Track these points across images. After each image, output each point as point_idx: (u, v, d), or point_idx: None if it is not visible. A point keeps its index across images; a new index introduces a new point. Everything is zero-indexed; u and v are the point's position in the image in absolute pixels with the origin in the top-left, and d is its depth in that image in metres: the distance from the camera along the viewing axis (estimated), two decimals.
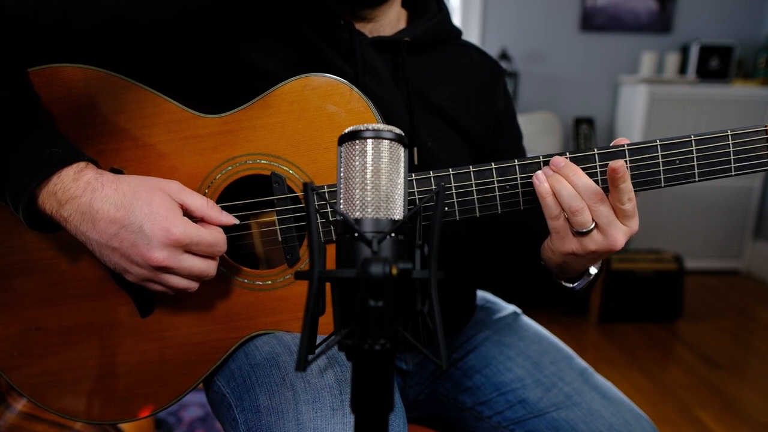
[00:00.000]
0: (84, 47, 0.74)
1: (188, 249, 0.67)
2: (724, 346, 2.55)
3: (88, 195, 0.64)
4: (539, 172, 0.69)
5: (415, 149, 0.83)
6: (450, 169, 0.72)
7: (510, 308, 1.04)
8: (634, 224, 0.69)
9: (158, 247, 0.64)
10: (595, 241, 0.68)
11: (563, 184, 0.67)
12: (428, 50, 0.88)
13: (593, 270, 0.77)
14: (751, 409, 2.06)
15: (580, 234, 0.68)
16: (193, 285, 0.70)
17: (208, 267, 0.69)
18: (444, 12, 0.90)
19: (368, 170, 0.45)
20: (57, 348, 0.78)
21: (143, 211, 0.64)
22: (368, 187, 0.45)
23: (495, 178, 0.72)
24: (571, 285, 0.78)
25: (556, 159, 0.69)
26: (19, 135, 0.66)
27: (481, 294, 1.09)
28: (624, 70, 3.41)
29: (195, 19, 0.77)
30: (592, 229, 0.68)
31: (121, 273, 0.68)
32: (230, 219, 0.72)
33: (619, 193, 0.66)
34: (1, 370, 0.78)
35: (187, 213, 0.69)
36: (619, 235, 0.68)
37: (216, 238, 0.69)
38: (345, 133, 0.46)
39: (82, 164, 0.66)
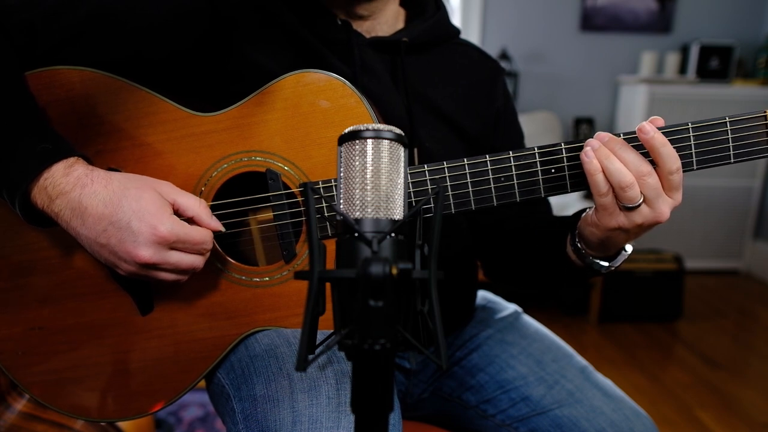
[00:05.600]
0: (62, 49, 0.73)
1: (174, 246, 0.67)
2: (724, 346, 2.55)
3: (78, 191, 0.65)
4: (588, 149, 0.68)
5: (416, 149, 0.83)
6: (444, 162, 0.73)
7: (511, 307, 1.05)
8: (679, 196, 0.69)
9: (144, 244, 0.65)
10: (642, 215, 0.68)
11: (611, 159, 0.66)
12: (426, 50, 0.87)
13: (629, 248, 0.76)
14: (751, 409, 2.06)
15: (628, 209, 0.68)
16: (182, 278, 0.70)
17: (195, 261, 0.69)
18: (442, 11, 0.89)
19: (368, 170, 0.45)
20: (60, 347, 0.79)
21: (131, 208, 0.65)
22: (368, 187, 0.45)
23: (489, 168, 0.72)
24: (607, 263, 0.78)
25: (601, 133, 0.68)
26: (13, 134, 0.66)
27: (482, 293, 1.09)
28: (624, 70, 3.41)
29: (190, 24, 0.77)
30: (640, 204, 0.68)
31: (112, 267, 0.69)
32: (218, 225, 0.72)
33: (664, 160, 0.66)
34: (7, 369, 0.79)
35: (179, 212, 0.70)
36: (666, 207, 0.68)
37: (203, 236, 0.69)
38: (345, 133, 0.46)
39: (72, 159, 0.66)
